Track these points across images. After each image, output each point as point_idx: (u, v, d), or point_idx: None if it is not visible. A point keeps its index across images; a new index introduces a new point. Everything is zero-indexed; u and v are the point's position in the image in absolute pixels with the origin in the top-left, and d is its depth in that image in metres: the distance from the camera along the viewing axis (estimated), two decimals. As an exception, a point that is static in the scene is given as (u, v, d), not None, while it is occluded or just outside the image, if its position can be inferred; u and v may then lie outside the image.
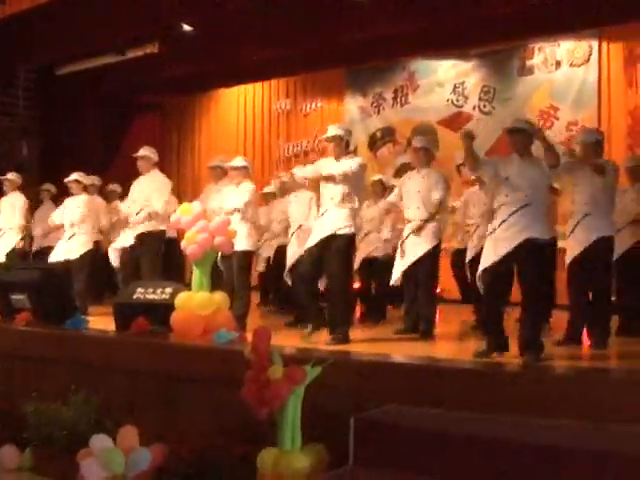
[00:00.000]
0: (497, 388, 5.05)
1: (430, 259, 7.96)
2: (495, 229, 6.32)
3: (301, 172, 7.86)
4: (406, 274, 8.05)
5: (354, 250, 8.01)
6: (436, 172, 8.17)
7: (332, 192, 7.35)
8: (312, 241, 7.41)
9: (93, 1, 11.53)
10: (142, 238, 9.16)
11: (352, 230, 7.33)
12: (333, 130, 7.46)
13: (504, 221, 6.24)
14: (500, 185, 6.37)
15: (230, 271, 8.46)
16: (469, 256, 8.84)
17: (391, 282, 8.25)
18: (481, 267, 6.39)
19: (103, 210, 11.04)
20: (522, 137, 6.38)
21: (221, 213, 8.33)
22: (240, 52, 12.90)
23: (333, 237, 7.25)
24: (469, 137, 6.45)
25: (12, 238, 11.15)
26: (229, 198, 8.60)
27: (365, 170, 7.66)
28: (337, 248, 7.24)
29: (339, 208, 7.29)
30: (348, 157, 7.43)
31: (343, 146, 7.42)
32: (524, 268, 6.20)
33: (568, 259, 7.23)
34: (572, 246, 7.21)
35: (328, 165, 7.45)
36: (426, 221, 7.92)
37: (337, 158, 7.39)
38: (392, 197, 8.54)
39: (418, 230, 7.91)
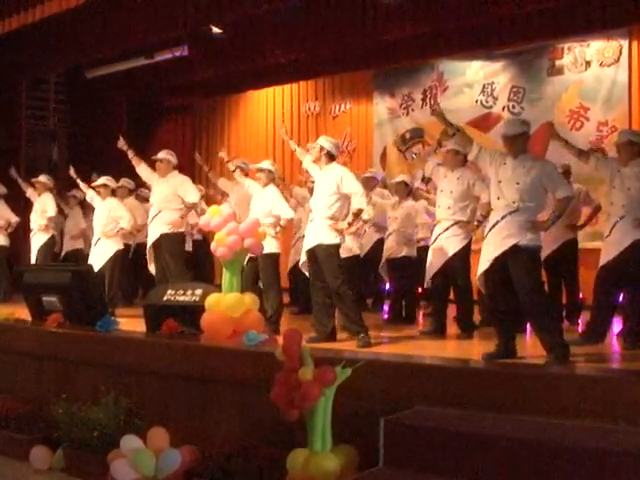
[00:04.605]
0: (527, 390, 5.02)
1: (461, 259, 7.94)
2: (487, 233, 6.36)
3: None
4: (435, 276, 8.02)
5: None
6: (470, 173, 8.06)
7: (318, 203, 7.47)
8: (304, 249, 7.61)
9: (122, 5, 11.60)
10: (163, 238, 9.31)
11: (337, 240, 7.38)
12: (320, 140, 7.62)
13: (494, 226, 6.26)
14: (495, 186, 6.32)
15: (251, 273, 8.47)
16: None
17: (425, 285, 8.29)
18: (478, 271, 6.41)
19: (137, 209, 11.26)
20: (515, 140, 6.27)
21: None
22: (269, 54, 12.94)
23: (319, 247, 7.35)
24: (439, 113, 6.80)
25: (41, 238, 11.41)
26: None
27: (352, 178, 7.55)
28: (326, 257, 7.31)
29: (324, 219, 7.37)
30: (329, 166, 7.52)
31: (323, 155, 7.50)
32: (515, 275, 6.11)
33: (602, 261, 7.17)
34: (608, 249, 7.15)
35: (316, 173, 7.67)
36: (464, 222, 7.91)
37: (316, 162, 7.58)
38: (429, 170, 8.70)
39: (447, 230, 7.92)
